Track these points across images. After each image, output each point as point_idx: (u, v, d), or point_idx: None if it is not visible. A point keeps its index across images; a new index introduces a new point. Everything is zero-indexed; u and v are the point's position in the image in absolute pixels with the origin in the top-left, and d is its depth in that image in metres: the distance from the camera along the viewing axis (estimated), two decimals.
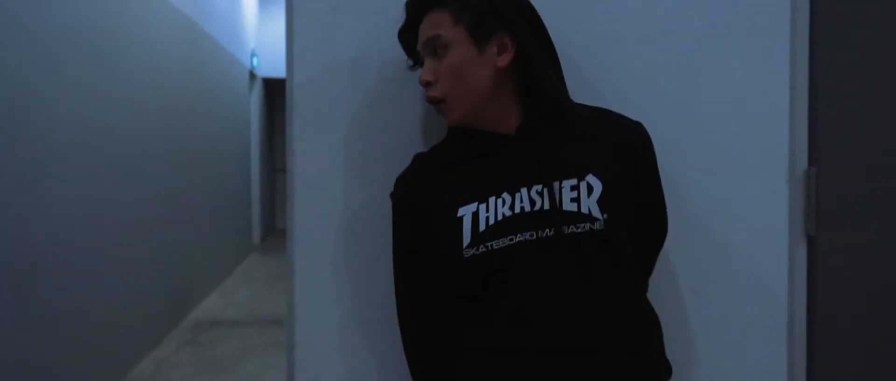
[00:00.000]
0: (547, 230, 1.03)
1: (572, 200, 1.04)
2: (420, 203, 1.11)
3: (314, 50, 1.21)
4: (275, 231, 9.75)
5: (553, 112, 1.07)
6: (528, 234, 1.03)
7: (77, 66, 3.21)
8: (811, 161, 1.33)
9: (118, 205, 3.71)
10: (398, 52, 1.18)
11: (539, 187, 1.04)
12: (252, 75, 8.32)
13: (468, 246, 1.04)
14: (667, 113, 1.28)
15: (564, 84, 1.11)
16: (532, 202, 1.03)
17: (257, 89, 8.71)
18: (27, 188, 2.74)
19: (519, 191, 1.05)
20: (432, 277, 1.11)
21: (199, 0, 5.49)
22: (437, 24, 1.06)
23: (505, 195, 1.05)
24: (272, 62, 8.90)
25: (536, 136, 1.07)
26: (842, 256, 1.34)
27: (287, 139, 1.23)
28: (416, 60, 1.16)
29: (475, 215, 1.05)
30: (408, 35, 1.13)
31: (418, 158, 1.17)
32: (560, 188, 1.04)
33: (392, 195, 1.15)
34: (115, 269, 3.66)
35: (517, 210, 1.04)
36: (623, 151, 1.10)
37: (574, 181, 1.04)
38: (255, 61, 8.38)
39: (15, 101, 2.66)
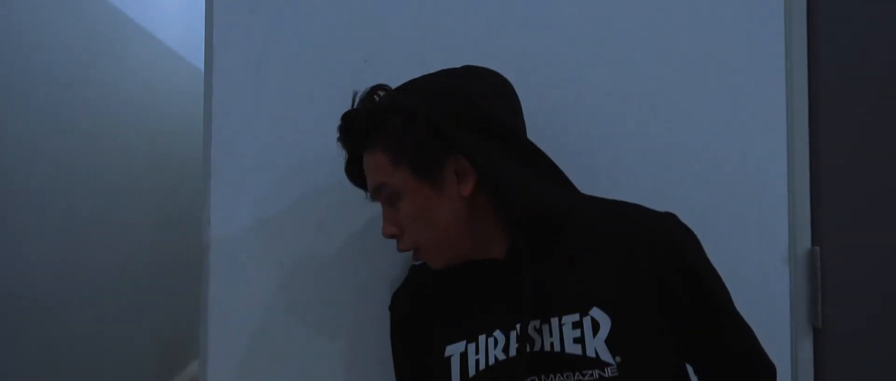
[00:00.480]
0: (549, 376, 0.84)
1: (575, 340, 0.85)
2: (412, 330, 0.97)
3: (235, 110, 1.07)
4: None
5: (544, 230, 0.88)
6: (531, 380, 0.85)
7: (65, 104, 3.12)
8: (815, 241, 1.14)
9: (102, 251, 3.58)
10: (331, 108, 1.03)
11: (537, 324, 0.86)
12: None
13: None
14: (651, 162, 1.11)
15: (561, 187, 0.91)
16: (530, 342, 0.86)
17: None
18: (4, 228, 2.62)
19: (514, 329, 0.87)
20: None
21: (200, 46, 5.46)
22: (377, 170, 0.89)
23: (497, 334, 0.88)
24: None
25: (527, 262, 0.86)
26: (853, 350, 1.13)
27: (203, 208, 1.08)
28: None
29: (463, 357, 0.89)
30: (353, 169, 0.96)
31: (412, 273, 1.01)
32: (560, 326, 0.85)
33: (390, 308, 1.01)
34: (99, 317, 3.51)
35: (512, 353, 0.86)
36: (641, 264, 0.86)
37: (576, 317, 0.85)
38: None
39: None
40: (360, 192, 1.04)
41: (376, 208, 1.08)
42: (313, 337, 1.07)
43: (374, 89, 0.91)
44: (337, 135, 0.92)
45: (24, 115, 2.85)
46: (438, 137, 0.85)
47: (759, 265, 1.12)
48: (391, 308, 1.01)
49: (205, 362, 1.06)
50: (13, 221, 2.77)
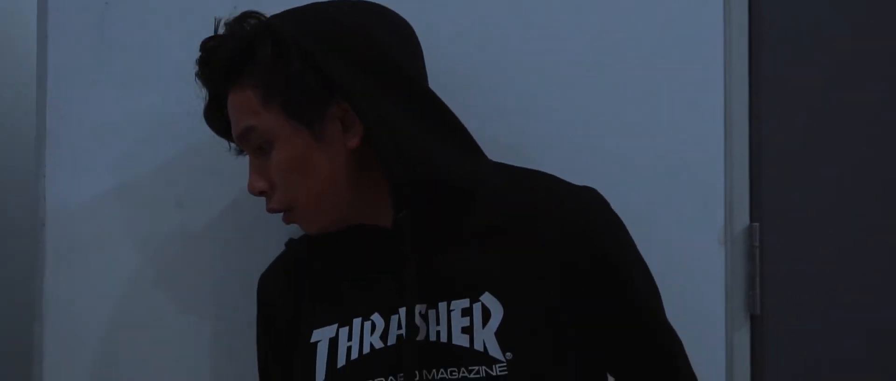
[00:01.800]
0: (432, 372, 0.71)
1: (463, 329, 0.71)
2: (279, 317, 0.83)
3: (77, 61, 0.90)
4: None
5: (440, 199, 0.74)
6: (402, 375, 0.71)
7: None
8: (753, 217, 1.04)
9: None
10: (181, 67, 0.87)
11: (422, 309, 0.73)
12: None
13: None
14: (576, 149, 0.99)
15: (465, 152, 0.77)
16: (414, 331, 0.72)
17: None
18: None
19: (396, 313, 0.73)
20: None
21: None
22: (245, 111, 0.74)
23: (375, 318, 0.74)
24: None
25: (414, 235, 0.73)
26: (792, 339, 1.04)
27: (36, 180, 0.91)
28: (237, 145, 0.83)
29: (333, 343, 0.75)
30: (212, 113, 0.81)
31: (289, 246, 0.86)
32: (449, 312, 0.72)
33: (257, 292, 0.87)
34: None
35: (392, 340, 0.73)
36: (547, 245, 0.74)
37: (466, 303, 0.72)
38: None
39: None
40: (228, 159, 0.88)
41: (239, 185, 0.93)
42: (172, 331, 0.93)
43: (245, 16, 0.75)
44: (195, 69, 0.77)
45: None
46: (319, 75, 0.71)
47: (693, 245, 1.01)
48: (258, 292, 0.86)
49: (40, 362, 0.89)
50: None
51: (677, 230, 1.01)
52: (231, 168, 0.92)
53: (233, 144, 0.82)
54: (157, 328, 0.92)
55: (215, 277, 0.93)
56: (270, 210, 0.78)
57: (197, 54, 0.80)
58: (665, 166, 1.01)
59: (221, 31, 0.76)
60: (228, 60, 0.74)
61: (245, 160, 0.82)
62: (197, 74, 0.78)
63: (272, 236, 0.92)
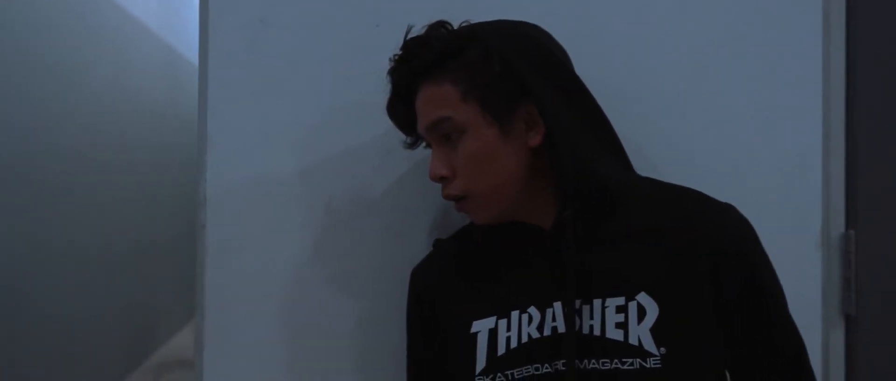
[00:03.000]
0: (586, 362, 0.78)
1: (618, 325, 0.79)
2: (433, 309, 0.90)
3: (234, 72, 0.97)
4: None
5: (597, 204, 0.81)
6: (561, 363, 0.78)
7: (39, 87, 2.97)
8: (849, 224, 1.08)
9: (74, 234, 3.43)
10: (363, 79, 0.95)
11: (577, 303, 0.80)
12: None
13: (482, 373, 0.81)
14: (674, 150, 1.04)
15: (619, 161, 0.85)
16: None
17: None
18: None
19: (551, 306, 0.81)
20: None
21: (177, 25, 5.28)
22: (441, 103, 0.81)
23: (532, 310, 0.81)
24: None
25: (574, 235, 0.80)
26: (886, 339, 1.08)
27: (198, 183, 0.98)
28: (413, 138, 0.91)
29: (493, 333, 0.82)
30: (397, 108, 0.88)
31: (437, 246, 0.93)
32: (603, 308, 0.79)
33: (409, 285, 0.93)
34: (69, 302, 3.37)
35: (547, 332, 0.80)
36: (700, 255, 0.80)
37: (621, 300, 0.79)
38: None
39: None
40: (372, 164, 0.96)
41: (390, 183, 1.00)
42: (320, 326, 0.99)
43: (440, 24, 0.84)
44: (391, 64, 0.85)
45: (4, 99, 2.70)
46: (515, 77, 0.79)
47: (791, 250, 1.05)
48: (410, 285, 0.93)
49: (201, 352, 0.96)
50: None
51: (776, 235, 1.03)
52: (374, 171, 0.99)
53: (406, 138, 0.90)
54: (308, 320, 0.98)
55: (361, 273, 0.99)
56: (447, 196, 0.84)
57: (346, 66, 0.91)
58: (765, 175, 1.06)
59: (412, 35, 0.84)
60: (436, 58, 0.81)
61: (386, 165, 0.92)
62: (392, 70, 0.85)
63: (415, 235, 0.99)
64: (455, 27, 0.85)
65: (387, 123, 0.95)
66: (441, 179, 0.83)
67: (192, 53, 5.65)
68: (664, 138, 1.05)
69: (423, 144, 0.89)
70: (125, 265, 4.15)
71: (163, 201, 4.86)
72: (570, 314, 0.78)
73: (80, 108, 3.53)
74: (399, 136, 0.93)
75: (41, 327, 3.13)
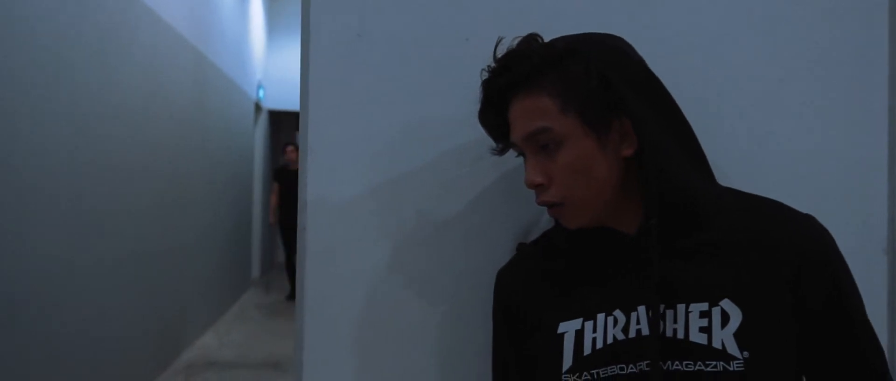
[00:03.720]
0: (669, 363, 0.82)
1: (701, 329, 0.82)
2: (519, 310, 0.93)
3: (332, 84, 1.02)
4: (275, 266, 9.50)
5: (683, 214, 0.85)
6: (645, 364, 0.83)
7: (68, 92, 3.03)
8: None
9: (105, 239, 3.50)
10: (452, 89, 1.01)
11: (661, 308, 0.84)
12: (258, 107, 8.18)
13: (568, 371, 0.85)
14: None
15: (703, 172, 0.89)
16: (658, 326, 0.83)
17: (263, 121, 8.56)
18: (9, 220, 2.54)
19: (635, 310, 0.85)
20: None
21: (206, 29, 5.36)
22: (540, 114, 0.84)
23: (617, 313, 0.85)
24: (279, 94, 8.78)
25: (660, 243, 0.84)
26: None
27: (299, 189, 1.03)
28: (503, 144, 0.94)
29: (579, 334, 0.86)
30: (489, 117, 0.91)
31: (521, 251, 0.98)
32: (687, 313, 0.83)
33: (495, 288, 0.97)
34: (101, 306, 3.43)
35: (632, 334, 0.84)
36: (782, 264, 0.84)
37: (704, 306, 0.83)
38: (261, 93, 8.24)
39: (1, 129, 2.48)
40: (460, 171, 1.01)
41: (477, 190, 1.04)
42: (407, 325, 1.04)
43: (532, 36, 0.87)
44: (485, 75, 0.88)
45: (37, 106, 2.76)
46: (611, 93, 0.83)
47: (857, 256, 1.05)
48: (496, 287, 0.98)
49: (301, 349, 1.01)
50: (18, 209, 2.68)
51: (842, 241, 1.05)
52: (462, 178, 1.04)
53: (495, 145, 0.93)
54: (402, 318, 1.03)
55: (447, 276, 1.04)
56: (542, 202, 0.87)
57: (436, 79, 0.97)
58: (830, 180, 1.08)
59: (502, 49, 0.88)
60: (534, 70, 0.84)
61: (474, 172, 0.98)
62: (487, 81, 0.88)
63: (499, 239, 1.04)
64: (544, 40, 0.88)
65: (474, 132, 0.99)
66: (537, 187, 0.86)
67: (219, 59, 5.73)
68: (732, 146, 1.08)
69: (513, 152, 0.93)
70: (152, 269, 4.21)
71: (185, 204, 4.92)
72: (655, 317, 0.82)
73: (115, 112, 3.60)
74: (487, 144, 0.98)
75: (75, 329, 3.19)
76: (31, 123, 2.69)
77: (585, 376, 0.85)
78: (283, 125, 9.84)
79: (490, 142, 0.96)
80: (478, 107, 0.92)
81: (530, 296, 0.93)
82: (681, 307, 0.83)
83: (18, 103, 2.58)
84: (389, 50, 1.03)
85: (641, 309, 0.84)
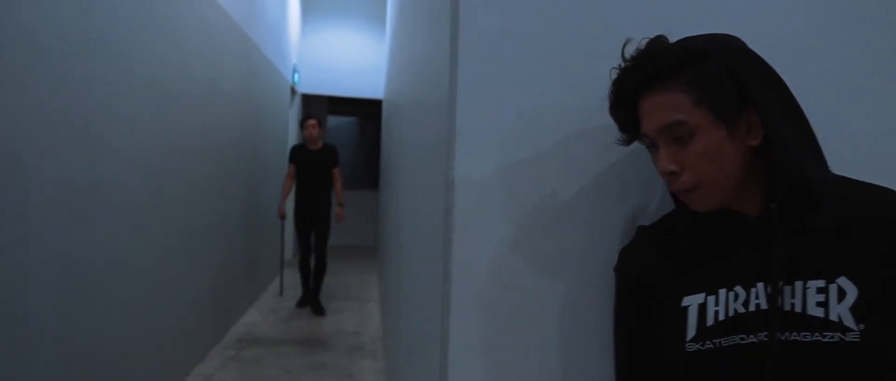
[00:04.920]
0: (787, 334, 0.92)
1: (818, 304, 0.91)
2: (644, 287, 1.03)
3: (477, 75, 1.13)
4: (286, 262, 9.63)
5: (803, 198, 0.93)
6: (764, 335, 0.93)
7: (145, 75, 3.17)
8: None
9: (169, 216, 3.65)
10: (578, 82, 1.11)
11: (780, 284, 0.92)
12: (292, 91, 8.31)
13: (692, 340, 0.95)
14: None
15: (819, 160, 0.97)
16: (769, 300, 0.93)
17: (296, 105, 8.69)
18: (89, 197, 2.69)
19: (755, 286, 0.94)
20: (654, 366, 1.02)
21: (251, 14, 5.48)
22: (673, 108, 0.93)
23: (738, 289, 0.95)
24: (311, 78, 8.91)
25: (780, 225, 0.94)
26: None
27: (447, 169, 1.15)
28: (630, 135, 1.03)
29: (702, 308, 0.96)
30: (619, 110, 1.00)
31: (642, 232, 1.08)
32: (805, 289, 0.92)
33: (616, 269, 1.08)
34: (165, 279, 3.59)
35: (752, 308, 0.94)
36: (890, 242, 0.91)
37: (821, 283, 0.92)
38: (296, 77, 8.37)
39: (93, 111, 2.61)
40: (591, 158, 1.12)
41: (605, 175, 1.15)
42: (545, 291, 1.15)
43: (660, 38, 0.97)
44: (616, 74, 0.98)
45: (118, 89, 2.89)
46: (740, 88, 0.91)
47: None
48: (620, 266, 1.08)
49: (447, 315, 1.13)
50: (94, 192, 2.82)
51: None
52: (592, 164, 1.15)
53: (623, 136, 1.02)
54: (531, 291, 1.14)
55: (574, 254, 1.15)
56: (675, 188, 0.96)
57: (568, 72, 1.09)
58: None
59: (630, 49, 0.98)
60: (666, 69, 0.93)
61: (603, 159, 1.10)
62: (619, 78, 0.98)
63: (615, 220, 1.16)
64: (670, 41, 0.97)
65: (600, 121, 1.11)
66: (671, 175, 0.95)
67: (262, 42, 5.85)
68: (839, 135, 1.17)
69: (642, 141, 1.03)
70: (204, 248, 4.36)
71: (231, 186, 5.07)
72: (775, 291, 0.91)
73: (177, 96, 3.73)
74: (609, 134, 1.10)
75: (140, 305, 3.35)
76: (115, 103, 2.82)
77: (708, 344, 0.95)
78: (313, 109, 9.96)
79: (615, 132, 1.07)
80: (603, 100, 1.02)
81: (654, 272, 1.02)
82: (798, 284, 0.93)
83: (104, 86, 2.71)
84: (527, 46, 1.14)
85: (760, 285, 0.94)
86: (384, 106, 8.30)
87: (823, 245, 0.93)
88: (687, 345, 0.96)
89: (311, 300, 5.82)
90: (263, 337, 4.94)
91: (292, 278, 7.17)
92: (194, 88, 3.90)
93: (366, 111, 10.66)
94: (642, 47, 0.97)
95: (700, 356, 0.95)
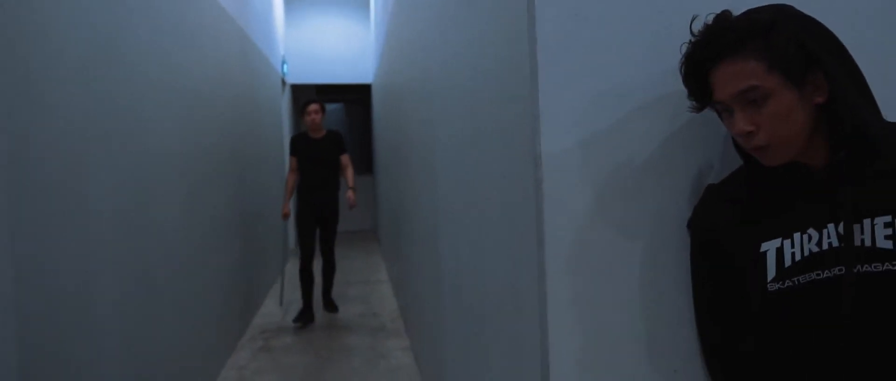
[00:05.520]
0: (858, 267, 1.02)
1: (886, 237, 1.02)
2: (718, 239, 1.14)
3: (556, 55, 1.23)
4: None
5: (866, 146, 1.03)
6: (838, 269, 1.03)
7: (167, 79, 3.22)
8: None
9: (205, 208, 3.72)
10: (644, 58, 1.22)
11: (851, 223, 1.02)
12: (283, 82, 8.33)
13: (773, 280, 1.06)
14: None
15: (876, 113, 1.07)
16: (841, 238, 1.04)
17: (286, 96, 8.72)
18: (138, 198, 2.76)
19: (825, 227, 1.05)
20: (732, 309, 1.14)
21: (245, 10, 5.50)
22: (748, 75, 1.02)
23: (811, 231, 1.05)
24: (297, 68, 8.93)
25: (845, 172, 1.04)
26: None
27: (533, 146, 1.25)
28: (700, 103, 1.12)
29: (779, 251, 1.06)
30: (692, 80, 1.09)
31: (710, 190, 1.18)
32: (873, 225, 1.03)
33: (689, 225, 1.18)
34: (202, 274, 3.67)
35: (825, 246, 1.04)
36: None
37: (888, 218, 1.02)
38: (285, 68, 8.39)
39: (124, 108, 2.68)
40: (663, 126, 1.23)
41: (662, 142, 1.26)
42: (618, 259, 1.26)
43: (727, 12, 1.07)
44: (686, 47, 1.08)
45: (146, 90, 2.91)
46: (807, 51, 1.02)
47: None
48: (694, 222, 1.19)
49: (543, 281, 1.24)
50: (142, 190, 2.85)
51: None
52: (663, 132, 1.26)
53: (694, 103, 1.11)
54: (616, 247, 1.25)
55: (648, 212, 1.26)
56: (753, 147, 1.05)
57: (641, 49, 1.20)
58: None
59: (697, 24, 1.08)
60: (738, 39, 1.02)
61: (673, 125, 1.20)
62: (691, 50, 1.07)
63: (681, 181, 1.26)
64: (734, 15, 1.07)
65: (666, 92, 1.22)
66: (747, 135, 1.05)
67: (254, 34, 5.87)
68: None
69: (714, 108, 1.12)
70: (228, 242, 4.44)
71: (243, 180, 5.13)
72: (848, 229, 1.02)
73: (194, 93, 3.77)
74: (676, 104, 1.20)
75: (186, 301, 3.43)
76: (156, 111, 2.88)
77: (788, 282, 1.06)
78: (301, 99, 9.99)
79: (675, 102, 1.18)
80: (665, 74, 1.12)
81: (728, 225, 1.13)
82: (866, 221, 1.03)
83: (139, 85, 2.76)
84: (603, 27, 1.24)
85: (831, 226, 1.05)
86: (374, 90, 8.36)
87: (885, 186, 1.05)
88: (768, 285, 1.07)
89: (324, 299, 5.40)
90: (285, 325, 5.04)
91: (291, 280, 6.75)
92: (207, 89, 3.95)
93: (353, 97, 10.69)
94: (710, 22, 1.07)
95: (780, 295, 1.07)
